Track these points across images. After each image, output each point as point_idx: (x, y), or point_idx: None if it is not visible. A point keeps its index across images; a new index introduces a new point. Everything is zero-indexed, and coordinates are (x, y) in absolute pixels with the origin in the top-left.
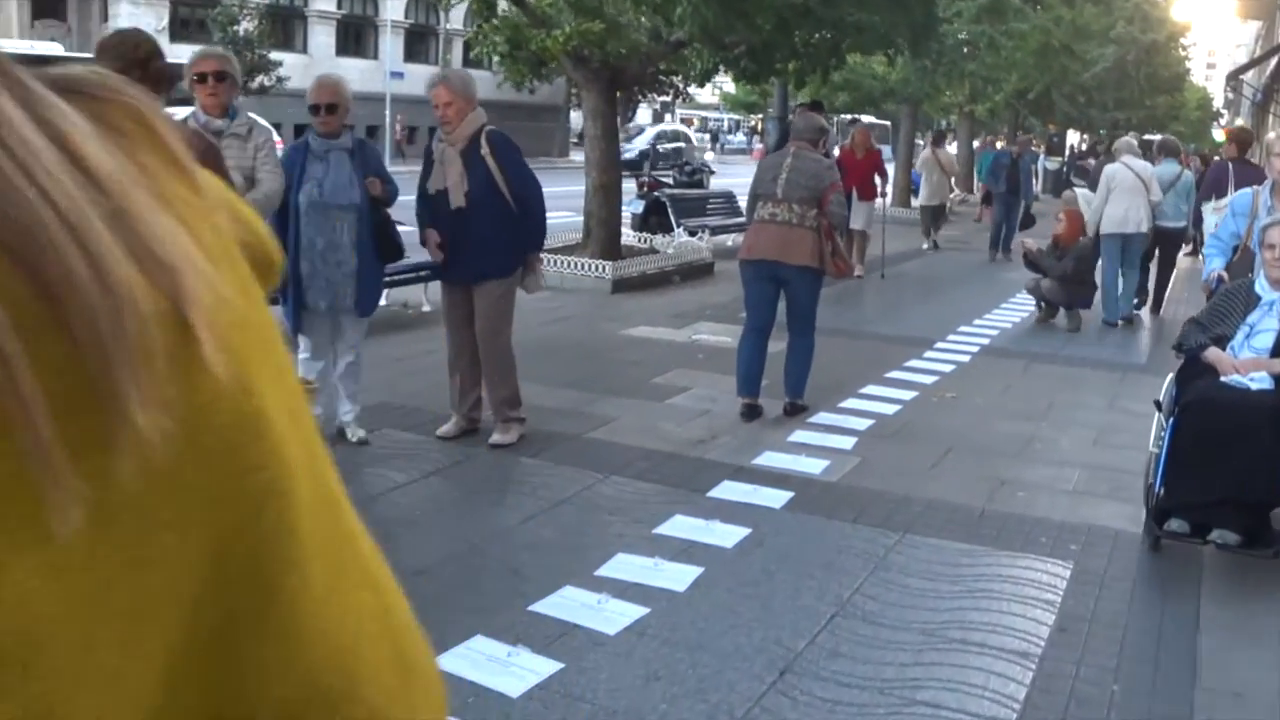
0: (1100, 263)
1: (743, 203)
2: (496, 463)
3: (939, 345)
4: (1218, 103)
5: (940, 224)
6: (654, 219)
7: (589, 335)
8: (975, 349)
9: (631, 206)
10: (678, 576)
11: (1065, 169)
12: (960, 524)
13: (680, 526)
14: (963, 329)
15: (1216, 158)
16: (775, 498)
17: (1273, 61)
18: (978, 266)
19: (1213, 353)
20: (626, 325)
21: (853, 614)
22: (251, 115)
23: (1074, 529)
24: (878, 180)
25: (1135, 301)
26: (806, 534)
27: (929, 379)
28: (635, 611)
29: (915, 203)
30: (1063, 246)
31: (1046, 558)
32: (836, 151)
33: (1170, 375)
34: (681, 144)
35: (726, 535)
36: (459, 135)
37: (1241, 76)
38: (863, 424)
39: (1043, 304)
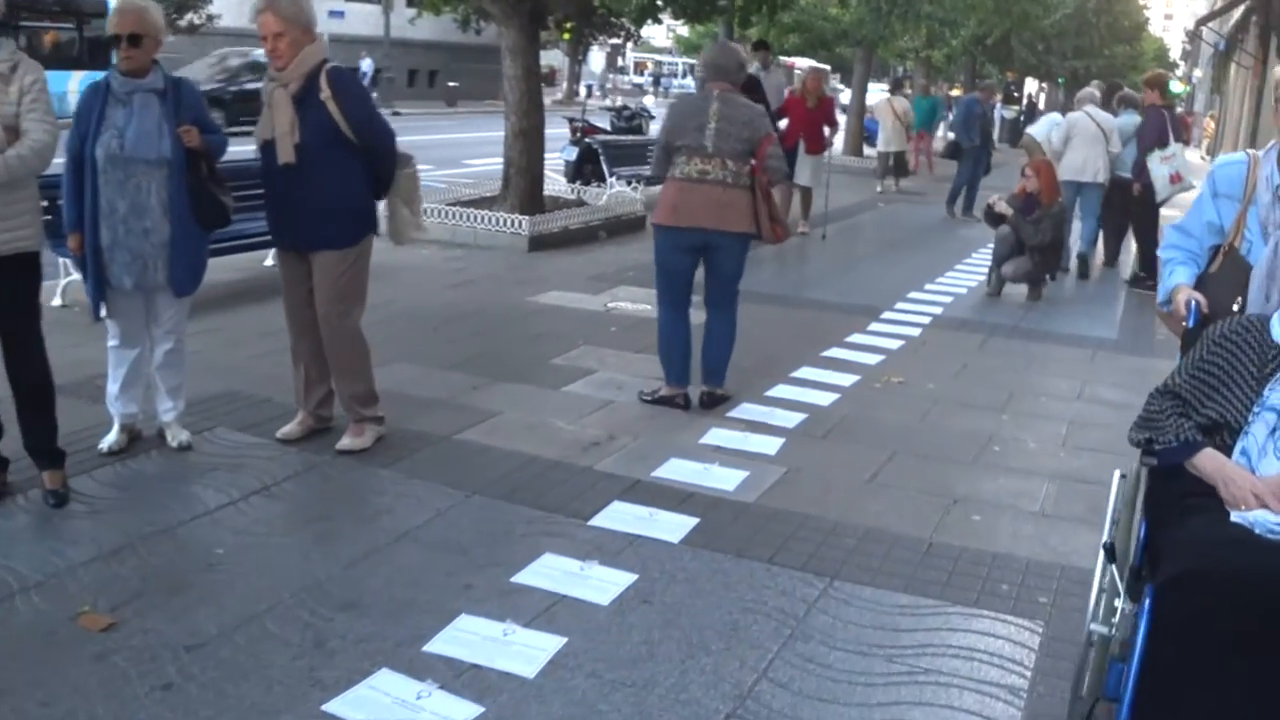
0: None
1: None
2: (339, 476)
3: (886, 315)
4: (1174, 54)
5: (903, 171)
6: (589, 167)
7: (493, 302)
8: (927, 319)
9: (565, 154)
10: (529, 655)
11: (1022, 118)
12: (902, 563)
13: (547, 572)
14: (914, 295)
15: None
16: (674, 527)
17: (1237, 11)
18: (935, 224)
19: (1211, 462)
20: (538, 290)
21: (756, 712)
22: (20, 51)
23: (1043, 570)
24: (827, 131)
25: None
26: (707, 583)
27: (873, 359)
28: (462, 715)
29: (869, 151)
30: (1043, 207)
31: (1009, 617)
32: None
33: (1118, 480)
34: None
35: (604, 587)
36: (291, 73)
37: (1204, 26)
38: (793, 419)
39: (992, 277)
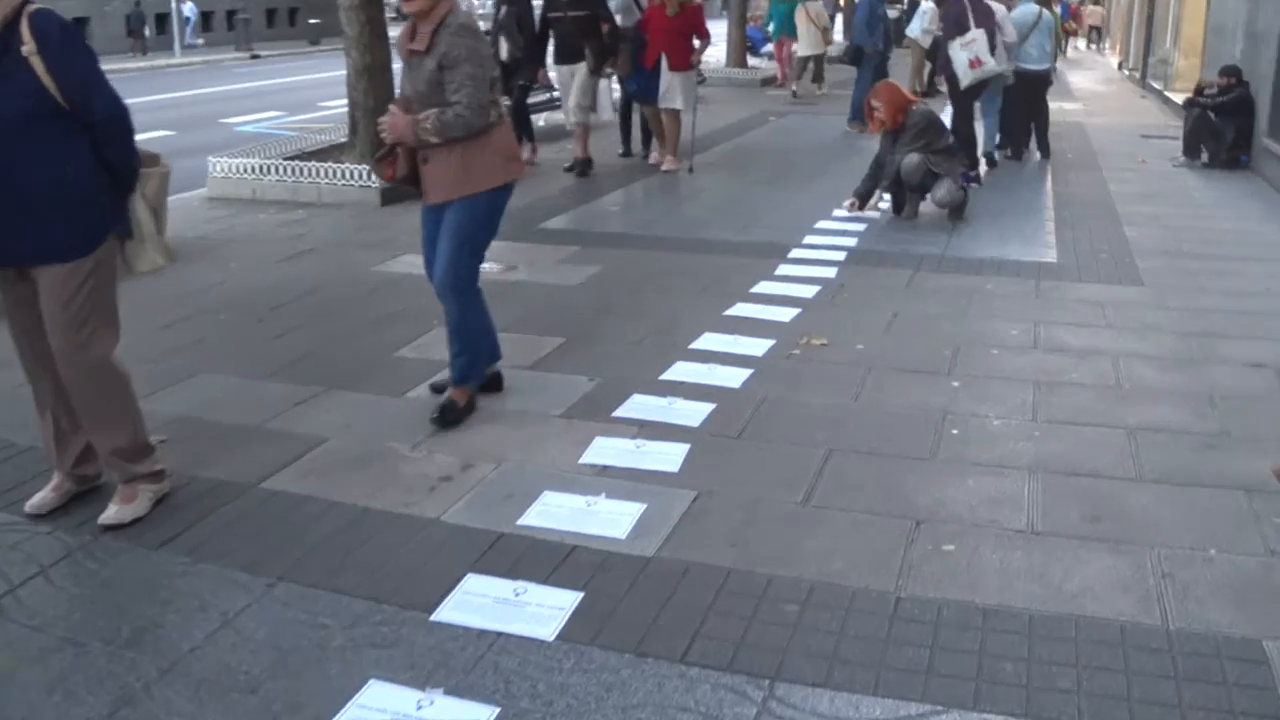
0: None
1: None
2: (100, 569)
3: (795, 254)
4: None
5: (819, 77)
6: None
7: (334, 276)
8: (842, 255)
9: None
10: None
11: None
12: (865, 641)
13: (378, 707)
14: (822, 226)
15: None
16: (547, 611)
17: None
18: (834, 140)
19: None
20: (388, 255)
21: None
22: None
23: (1053, 630)
24: (697, 44)
25: (998, 142)
26: (597, 709)
27: (787, 314)
28: None
29: (754, 62)
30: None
31: None
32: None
33: None
34: None
35: None
36: None
37: None
38: (697, 413)
39: (904, 203)
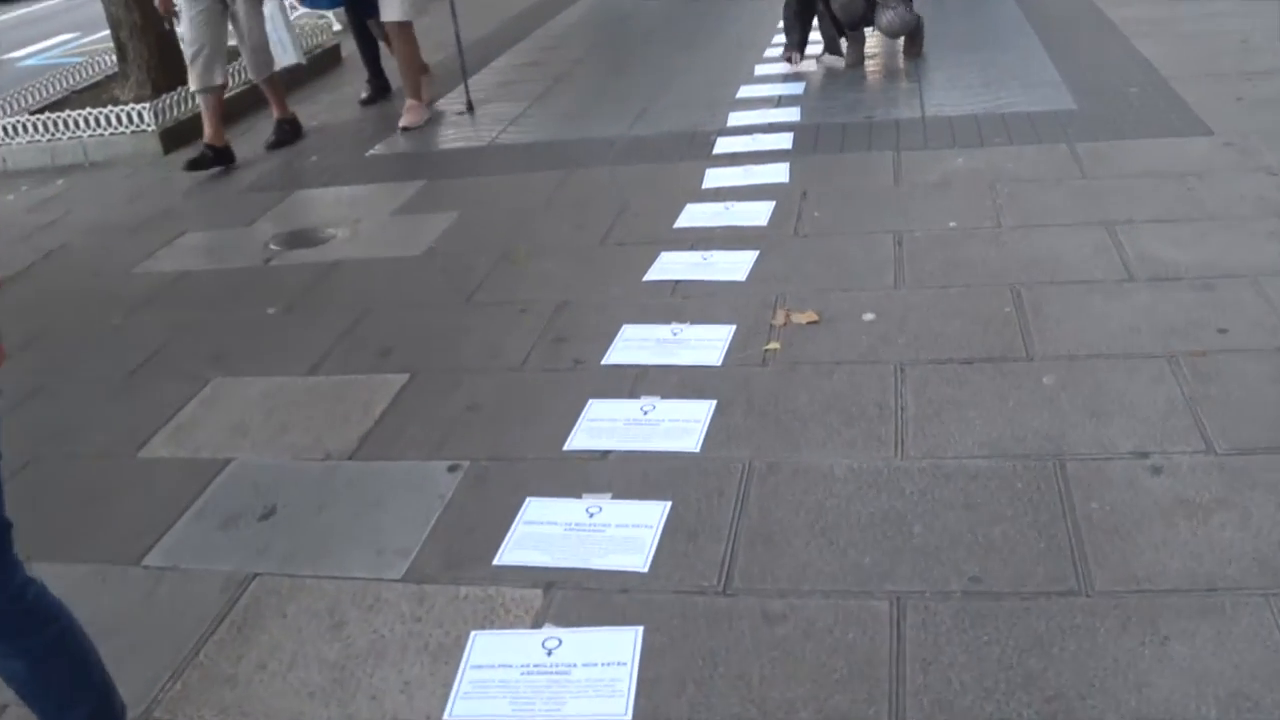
0: None
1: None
2: None
3: (722, 147)
4: None
5: None
6: None
7: (78, 297)
8: (786, 140)
9: None
10: None
11: None
12: None
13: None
14: (744, 97)
15: None
16: None
17: None
18: None
19: None
20: (160, 240)
21: None
22: None
23: None
24: None
25: None
26: None
27: (741, 263)
28: None
29: None
30: None
31: None
32: None
33: None
34: None
35: None
36: None
37: None
38: (641, 520)
39: (844, 44)
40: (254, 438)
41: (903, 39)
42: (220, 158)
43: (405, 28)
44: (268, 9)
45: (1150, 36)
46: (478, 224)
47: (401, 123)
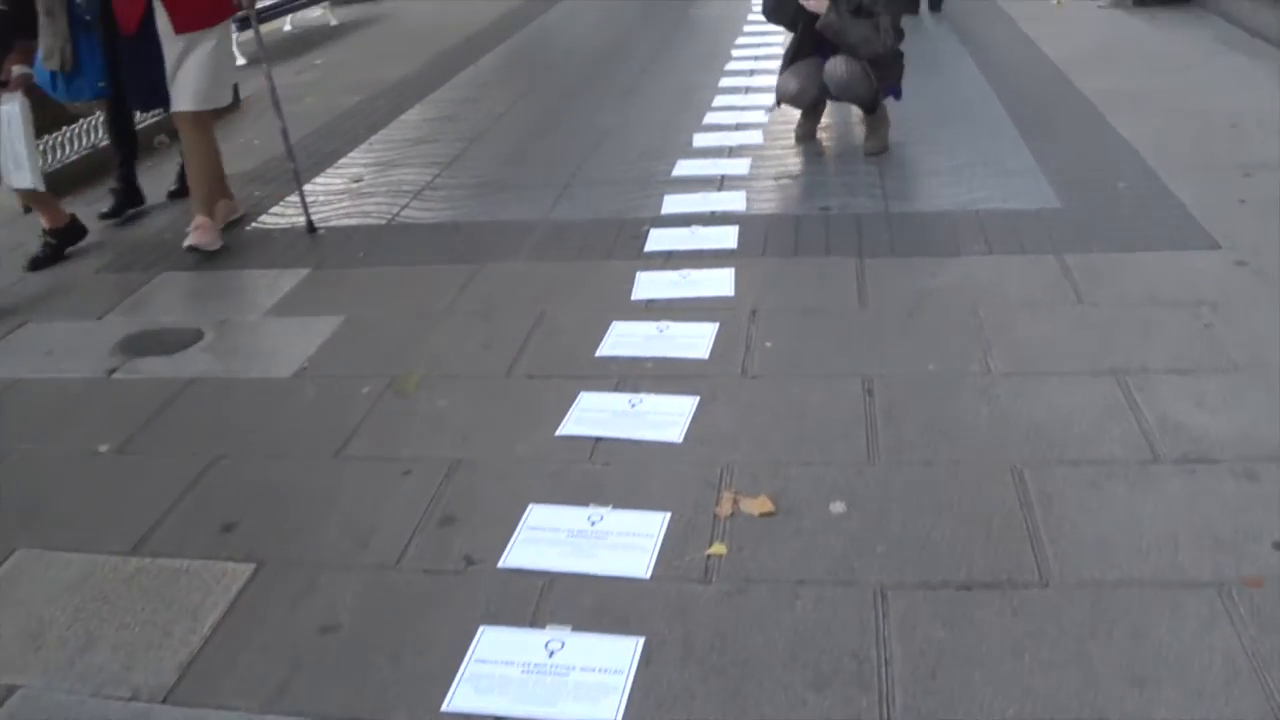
0: None
1: None
2: None
3: (653, 242)
4: None
5: None
6: None
7: None
8: (730, 236)
9: None
10: None
11: None
12: None
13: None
14: (683, 176)
15: None
16: None
17: None
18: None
19: None
20: (1, 329)
21: None
22: None
23: None
24: None
25: None
26: None
27: (672, 420)
28: None
29: None
30: None
31: None
32: None
33: None
34: None
35: None
36: None
37: None
38: None
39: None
40: (50, 655)
41: (865, 121)
42: (66, 238)
43: (200, 119)
44: (4, 111)
45: (1128, 113)
46: (364, 334)
47: (187, 242)
